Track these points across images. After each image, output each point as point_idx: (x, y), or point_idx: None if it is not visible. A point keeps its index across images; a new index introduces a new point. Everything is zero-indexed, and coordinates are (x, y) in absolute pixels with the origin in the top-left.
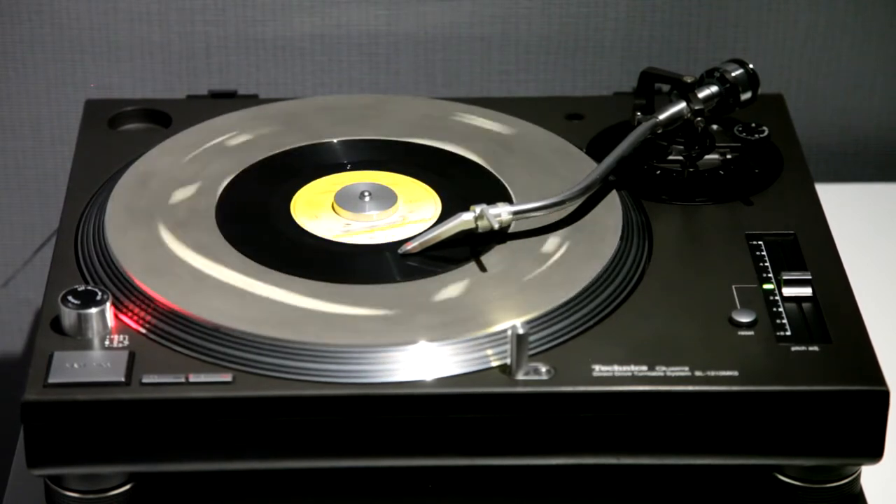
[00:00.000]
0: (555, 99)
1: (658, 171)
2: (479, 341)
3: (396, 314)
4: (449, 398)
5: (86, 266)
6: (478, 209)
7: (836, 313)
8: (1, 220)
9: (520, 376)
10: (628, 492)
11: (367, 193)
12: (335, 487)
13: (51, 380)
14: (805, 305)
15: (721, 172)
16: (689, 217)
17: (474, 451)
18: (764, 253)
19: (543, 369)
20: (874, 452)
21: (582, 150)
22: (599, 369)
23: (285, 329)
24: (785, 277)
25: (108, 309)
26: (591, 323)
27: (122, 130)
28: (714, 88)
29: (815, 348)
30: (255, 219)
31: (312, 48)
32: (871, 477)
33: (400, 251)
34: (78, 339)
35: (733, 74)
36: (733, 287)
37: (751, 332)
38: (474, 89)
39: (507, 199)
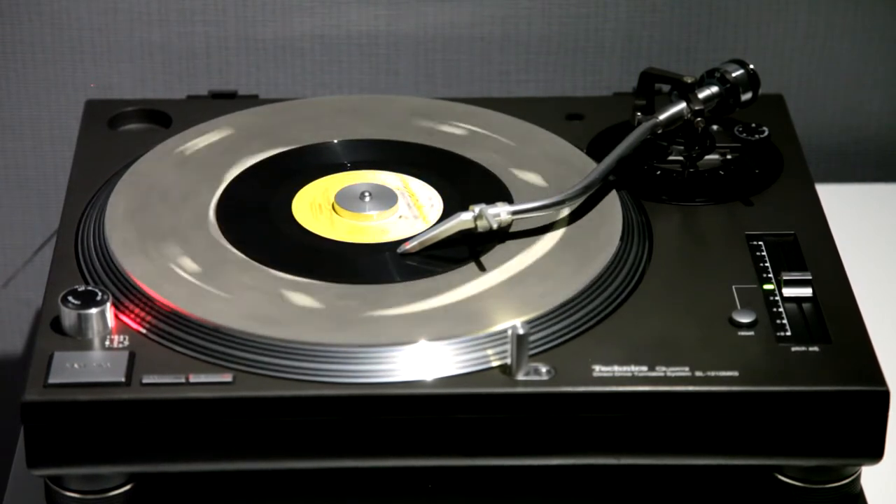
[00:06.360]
0: (555, 99)
1: (658, 172)
2: (479, 341)
3: (396, 314)
4: (449, 398)
5: (86, 266)
6: (477, 209)
7: (836, 313)
8: (1, 220)
9: (520, 376)
10: (628, 492)
11: (367, 193)
12: (335, 487)
13: (51, 380)
14: (805, 305)
15: (721, 173)
16: (689, 217)
17: (474, 451)
18: (764, 253)
19: (543, 369)
20: (874, 453)
21: (582, 150)
22: (599, 369)
23: (285, 329)
24: (785, 278)
25: (109, 309)
26: (591, 323)
27: (122, 130)
28: (714, 89)
29: (815, 348)
30: (255, 219)
31: (312, 48)
32: (871, 477)
33: (399, 251)
34: (78, 339)
35: (733, 75)
36: (733, 287)
37: (751, 333)
38: (474, 89)
39: (507, 198)
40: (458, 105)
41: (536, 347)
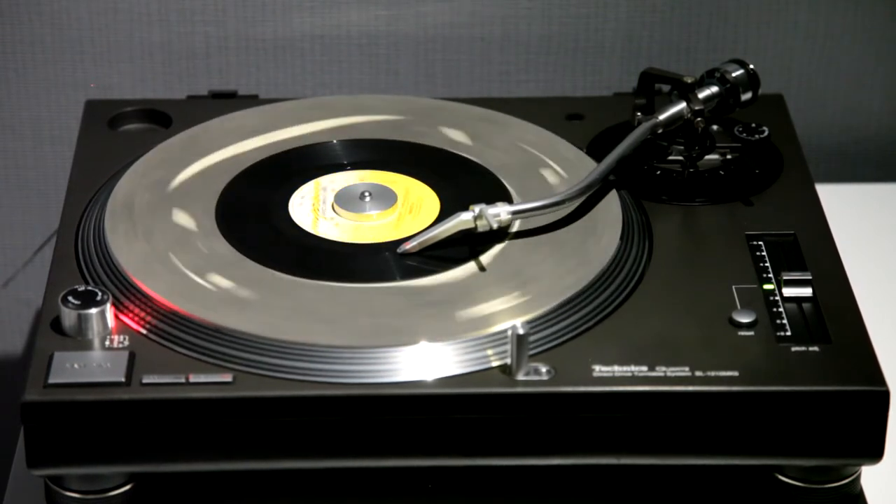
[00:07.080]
0: (555, 99)
1: (658, 172)
2: (479, 341)
3: (396, 314)
4: (449, 398)
5: (86, 266)
6: (477, 209)
7: (836, 313)
8: (1, 220)
9: (520, 376)
10: (628, 492)
11: (367, 193)
12: (335, 487)
13: (51, 380)
14: (805, 305)
15: (721, 173)
16: (689, 217)
17: (474, 451)
18: (764, 253)
19: (543, 369)
20: (874, 453)
21: (582, 150)
22: (599, 369)
23: (285, 329)
24: (785, 277)
25: (109, 309)
26: (591, 323)
27: (122, 130)
28: (714, 89)
29: (815, 348)
30: (255, 219)
31: (312, 48)
32: (871, 477)
33: (399, 251)
34: (78, 339)
35: (734, 75)
36: (733, 287)
37: (751, 333)
38: (474, 89)
39: (507, 198)
40: (457, 105)
41: (536, 347)
